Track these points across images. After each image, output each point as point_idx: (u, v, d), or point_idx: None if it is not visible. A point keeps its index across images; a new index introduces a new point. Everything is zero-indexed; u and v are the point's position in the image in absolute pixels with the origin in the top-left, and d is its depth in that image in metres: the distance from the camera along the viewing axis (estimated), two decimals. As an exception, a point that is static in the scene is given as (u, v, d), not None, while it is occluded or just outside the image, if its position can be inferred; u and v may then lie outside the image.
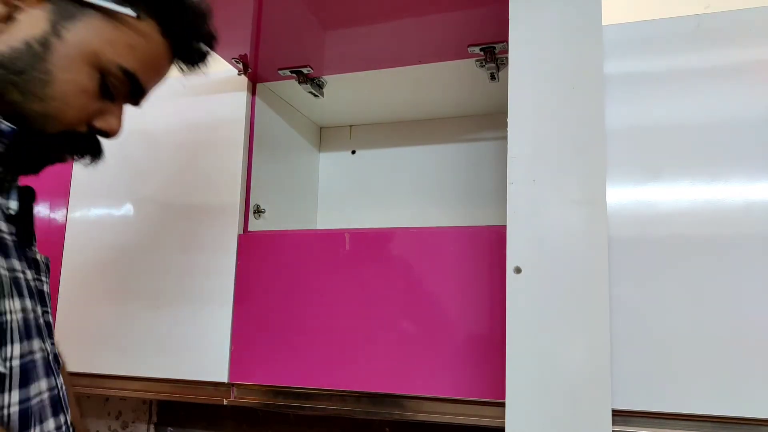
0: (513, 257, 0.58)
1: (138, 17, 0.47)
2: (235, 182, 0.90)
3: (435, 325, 0.75)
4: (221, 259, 0.88)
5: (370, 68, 0.91)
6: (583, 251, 0.56)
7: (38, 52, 0.43)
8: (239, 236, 0.88)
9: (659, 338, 0.65)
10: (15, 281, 0.45)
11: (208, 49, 0.56)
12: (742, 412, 0.62)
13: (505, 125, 0.61)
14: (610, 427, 0.54)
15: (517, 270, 0.58)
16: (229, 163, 0.91)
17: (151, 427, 1.24)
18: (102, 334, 0.92)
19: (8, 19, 0.43)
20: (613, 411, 0.59)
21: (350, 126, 1.21)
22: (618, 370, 0.65)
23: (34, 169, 0.49)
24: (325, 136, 1.22)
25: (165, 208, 0.93)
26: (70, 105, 0.45)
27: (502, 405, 0.57)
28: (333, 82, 0.96)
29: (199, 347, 0.86)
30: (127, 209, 0.95)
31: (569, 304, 0.56)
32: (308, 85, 0.95)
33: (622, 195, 0.69)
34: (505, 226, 0.59)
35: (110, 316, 0.92)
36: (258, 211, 0.94)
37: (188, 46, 0.53)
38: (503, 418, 0.56)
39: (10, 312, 0.43)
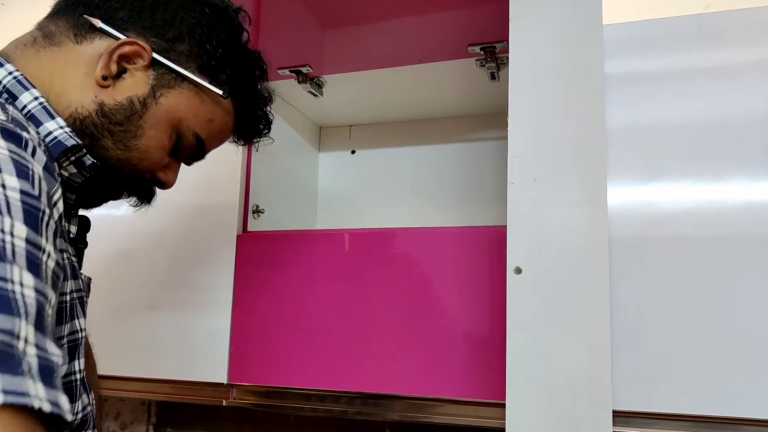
0: (513, 257, 0.58)
1: (224, 97, 0.55)
2: (235, 182, 0.90)
3: (435, 325, 0.75)
4: (220, 259, 0.87)
5: (370, 68, 0.91)
6: (583, 251, 0.56)
7: (137, 109, 0.50)
8: (238, 236, 0.88)
9: (660, 339, 0.65)
10: (80, 301, 0.51)
11: (267, 132, 0.64)
12: (744, 413, 0.62)
13: (505, 125, 0.61)
14: (611, 428, 0.54)
15: (518, 270, 0.58)
16: (229, 162, 0.91)
17: (150, 428, 1.24)
18: (100, 334, 0.92)
19: (117, 77, 0.50)
20: (614, 412, 0.59)
21: (350, 126, 1.20)
22: (618, 371, 0.64)
23: (96, 203, 0.57)
24: (324, 135, 1.22)
25: (164, 209, 0.93)
26: (148, 157, 0.52)
27: (503, 406, 0.57)
28: (332, 81, 0.96)
29: (198, 348, 0.86)
30: (126, 209, 0.95)
31: (570, 305, 0.56)
32: (308, 85, 0.95)
33: (623, 195, 0.68)
34: (505, 227, 0.59)
35: (109, 317, 0.92)
36: (257, 211, 0.94)
37: (252, 127, 0.62)
38: (504, 418, 0.56)
39: (79, 330, 0.50)
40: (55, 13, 0.51)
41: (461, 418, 0.74)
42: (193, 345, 0.87)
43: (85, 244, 0.58)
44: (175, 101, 0.52)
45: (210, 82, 0.53)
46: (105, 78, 0.49)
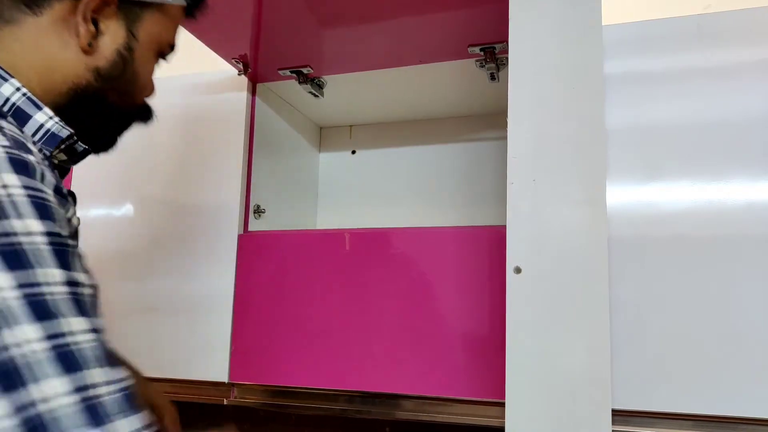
0: (513, 257, 0.58)
1: (187, 3, 0.54)
2: (235, 182, 0.90)
3: (435, 325, 0.75)
4: (221, 259, 0.88)
5: (370, 68, 0.91)
6: (583, 251, 0.56)
7: (126, 57, 0.50)
8: (239, 236, 0.88)
9: (659, 338, 0.65)
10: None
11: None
12: (744, 413, 0.62)
13: (505, 125, 0.61)
14: (610, 427, 0.54)
15: (517, 270, 0.58)
16: (229, 163, 0.91)
17: (151, 427, 1.24)
18: (102, 334, 0.92)
19: (97, 35, 0.48)
20: (613, 411, 0.59)
21: (350, 126, 1.21)
22: (618, 370, 0.65)
23: (114, 145, 0.57)
24: (325, 136, 1.22)
25: (165, 208, 0.93)
26: (147, 89, 0.55)
27: (502, 405, 0.57)
28: (333, 82, 0.96)
29: (199, 347, 0.86)
30: (127, 209, 0.95)
31: (569, 304, 0.56)
32: (308, 85, 0.95)
33: (623, 195, 0.69)
34: (505, 226, 0.59)
35: (109, 316, 0.92)
36: (258, 211, 0.94)
37: (199, 6, 0.60)
38: (503, 418, 0.56)
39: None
40: None
41: (461, 417, 0.74)
42: (193, 344, 0.87)
43: (78, 221, 0.58)
44: (148, 30, 0.52)
45: None
46: (90, 44, 0.47)
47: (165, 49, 0.55)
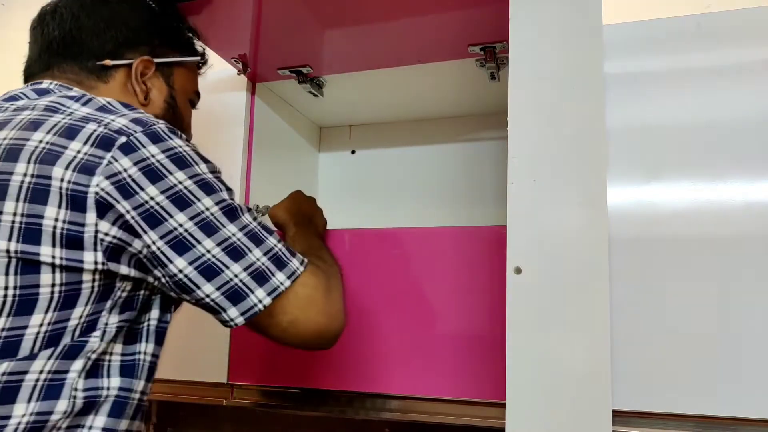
0: (513, 257, 0.58)
1: (200, 59, 0.70)
2: (235, 182, 0.90)
3: (435, 325, 0.75)
4: (220, 259, 0.87)
5: (370, 68, 0.91)
6: (583, 251, 0.56)
7: (172, 104, 0.65)
8: (239, 236, 0.88)
9: (660, 339, 0.65)
10: None
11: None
12: (744, 413, 0.62)
13: (505, 125, 0.61)
14: (611, 428, 0.53)
15: (518, 270, 0.58)
16: (229, 163, 0.91)
17: (151, 428, 1.24)
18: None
19: (148, 91, 0.62)
20: (614, 411, 0.59)
21: (350, 126, 1.20)
22: (618, 371, 0.64)
23: None
24: (324, 135, 1.22)
25: (164, 208, 0.93)
26: (188, 132, 0.69)
27: (503, 406, 0.57)
28: (333, 81, 0.96)
29: (198, 348, 0.86)
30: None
31: (570, 305, 0.56)
32: (308, 85, 0.95)
33: (623, 195, 0.68)
34: (505, 227, 0.59)
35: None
36: (257, 211, 0.94)
37: (204, 63, 0.75)
38: (503, 418, 0.56)
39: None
40: (55, 59, 0.59)
41: (461, 417, 0.74)
42: (193, 345, 0.87)
43: None
44: (179, 82, 0.66)
45: (188, 55, 0.67)
46: (146, 98, 0.62)
47: (193, 96, 0.70)
